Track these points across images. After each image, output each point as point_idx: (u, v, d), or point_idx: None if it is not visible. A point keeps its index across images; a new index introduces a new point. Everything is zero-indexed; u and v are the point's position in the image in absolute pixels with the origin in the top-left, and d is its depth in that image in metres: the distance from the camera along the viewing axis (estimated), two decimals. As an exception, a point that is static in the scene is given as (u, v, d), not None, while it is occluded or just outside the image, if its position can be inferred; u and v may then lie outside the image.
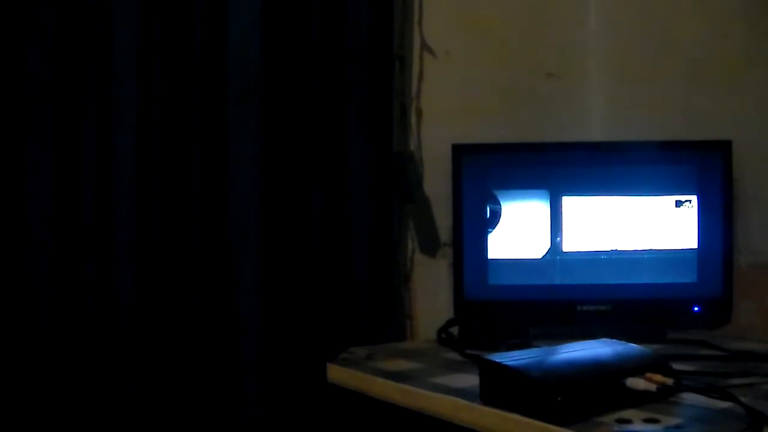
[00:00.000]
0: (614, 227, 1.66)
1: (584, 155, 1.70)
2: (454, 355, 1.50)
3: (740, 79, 1.69)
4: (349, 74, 1.68)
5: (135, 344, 1.49)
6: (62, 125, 1.46)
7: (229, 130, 1.57)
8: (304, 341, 1.61)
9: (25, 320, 1.42)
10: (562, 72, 1.88)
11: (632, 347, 1.21)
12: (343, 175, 1.68)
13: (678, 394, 1.14)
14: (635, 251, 1.65)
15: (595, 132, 1.87)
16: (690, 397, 1.13)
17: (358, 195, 1.69)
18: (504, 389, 1.13)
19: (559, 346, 1.26)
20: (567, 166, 1.67)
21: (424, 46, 1.74)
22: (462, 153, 1.67)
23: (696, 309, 1.64)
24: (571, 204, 1.66)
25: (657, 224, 1.65)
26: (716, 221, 1.63)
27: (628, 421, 1.04)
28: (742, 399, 1.07)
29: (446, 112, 1.75)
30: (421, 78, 1.74)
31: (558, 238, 1.66)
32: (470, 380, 1.25)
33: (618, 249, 1.66)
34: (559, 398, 1.05)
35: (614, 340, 1.27)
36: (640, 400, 1.10)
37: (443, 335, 1.60)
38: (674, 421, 1.04)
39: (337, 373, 1.45)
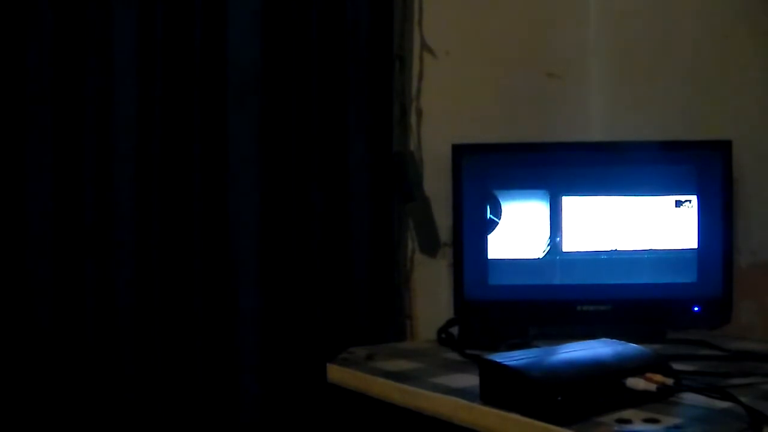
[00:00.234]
0: (614, 227, 1.66)
1: (584, 155, 1.70)
2: (454, 355, 1.50)
3: (740, 79, 1.69)
4: (349, 74, 1.68)
5: (135, 344, 1.49)
6: (62, 125, 1.46)
7: (229, 130, 1.57)
8: (304, 341, 1.61)
9: (25, 320, 1.42)
10: (562, 72, 1.88)
11: (632, 347, 1.21)
12: (343, 175, 1.68)
13: (678, 394, 1.14)
14: (635, 251, 1.65)
15: (595, 132, 1.87)
16: (690, 397, 1.13)
17: (358, 195, 1.69)
18: (504, 389, 1.13)
19: (559, 346, 1.26)
20: (567, 166, 1.67)
21: (424, 46, 1.74)
22: (462, 153, 1.67)
23: (696, 309, 1.64)
24: (570, 204, 1.66)
25: (657, 224, 1.65)
26: (716, 221, 1.63)
27: (628, 421, 1.04)
28: (742, 399, 1.07)
29: (446, 112, 1.75)
30: (421, 78, 1.74)
31: (558, 238, 1.66)
32: (470, 380, 1.25)
33: (618, 249, 1.66)
34: (559, 398, 1.05)
35: (614, 340, 1.27)
36: (640, 400, 1.10)
37: (443, 335, 1.60)
38: (674, 421, 1.04)
39: (337, 373, 1.45)
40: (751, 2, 1.69)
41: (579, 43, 1.91)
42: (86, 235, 1.47)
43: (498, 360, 1.16)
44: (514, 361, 1.14)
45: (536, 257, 1.66)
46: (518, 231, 1.67)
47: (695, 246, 1.64)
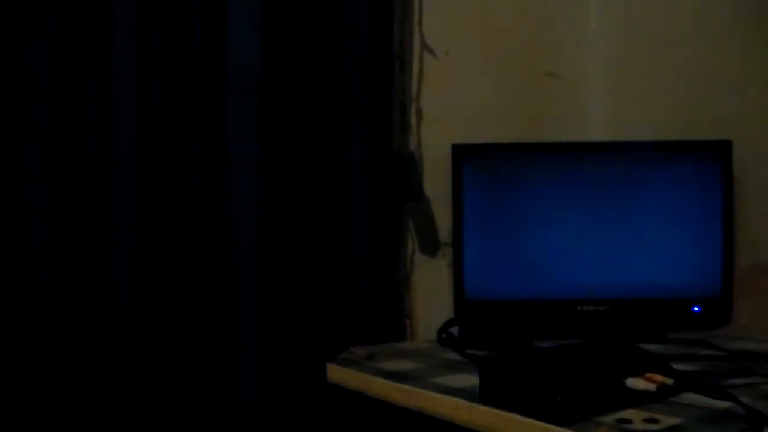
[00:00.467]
0: (614, 227, 1.66)
1: (584, 155, 1.70)
2: (454, 355, 1.50)
3: (740, 79, 1.69)
4: (349, 74, 1.68)
5: (135, 344, 1.49)
6: (62, 125, 1.46)
7: (229, 130, 1.57)
8: (304, 341, 1.61)
9: (25, 321, 1.42)
10: (562, 72, 1.88)
11: (632, 347, 1.21)
12: (343, 176, 1.68)
13: (678, 394, 1.14)
14: (635, 251, 1.65)
15: (595, 132, 1.87)
16: (690, 397, 1.13)
17: (358, 195, 1.69)
18: (504, 389, 1.13)
19: (559, 346, 1.27)
20: (567, 166, 1.67)
21: (424, 46, 1.74)
22: (462, 153, 1.67)
23: (696, 309, 1.64)
24: (570, 204, 1.66)
25: (657, 224, 1.65)
26: (716, 221, 1.63)
27: (628, 421, 1.04)
28: (742, 399, 1.07)
29: (446, 112, 1.75)
30: (421, 78, 1.74)
31: (558, 238, 1.66)
32: (470, 380, 1.25)
33: (618, 249, 1.66)
34: (559, 398, 1.05)
35: (614, 340, 1.26)
36: (640, 400, 1.10)
37: (443, 335, 1.60)
38: (674, 421, 1.04)
39: (337, 373, 1.45)
40: (750, 2, 1.69)
41: (579, 43, 1.91)
42: (86, 235, 1.47)
43: (498, 360, 1.16)
44: (514, 361, 1.14)
45: (536, 257, 1.66)
46: (518, 231, 1.67)
47: (695, 246, 1.64)
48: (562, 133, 1.80)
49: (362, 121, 1.69)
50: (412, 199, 1.73)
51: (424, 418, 1.25)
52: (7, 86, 1.42)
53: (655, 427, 1.02)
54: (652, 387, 1.09)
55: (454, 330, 1.59)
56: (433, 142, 1.73)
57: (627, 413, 1.06)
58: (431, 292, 1.74)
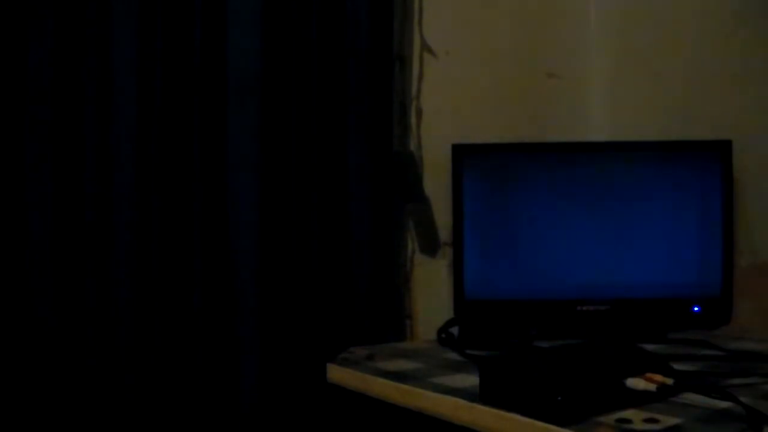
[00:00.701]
0: (614, 227, 1.66)
1: (584, 155, 1.70)
2: (454, 355, 1.50)
3: (740, 79, 1.69)
4: (349, 74, 1.68)
5: (135, 344, 1.49)
6: (62, 125, 1.46)
7: (229, 130, 1.57)
8: (304, 341, 1.61)
9: (25, 320, 1.42)
10: (562, 72, 1.89)
11: (632, 347, 1.21)
12: (343, 175, 1.68)
13: (678, 394, 1.14)
14: (635, 251, 1.65)
15: (595, 132, 1.88)
16: (690, 397, 1.13)
17: (358, 195, 1.69)
18: (504, 389, 1.13)
19: (559, 346, 1.27)
20: (567, 166, 1.67)
21: (424, 46, 1.74)
22: (462, 153, 1.67)
23: (696, 309, 1.64)
24: (570, 204, 1.66)
25: (657, 224, 1.65)
26: (716, 221, 1.63)
27: (628, 421, 1.04)
28: (742, 399, 1.07)
29: (446, 112, 1.75)
30: (421, 78, 1.74)
31: (558, 238, 1.66)
32: (470, 380, 1.25)
33: (618, 248, 1.66)
34: (559, 398, 1.05)
35: (614, 340, 1.26)
36: (640, 400, 1.10)
37: (443, 335, 1.60)
38: (674, 421, 1.04)
39: (337, 373, 1.45)
40: (751, 2, 1.69)
41: (579, 43, 1.91)
42: (86, 235, 1.47)
43: (498, 360, 1.16)
44: (514, 361, 1.14)
45: (536, 257, 1.67)
46: (518, 231, 1.67)
47: (695, 246, 1.64)
48: (562, 133, 1.80)
49: (362, 121, 1.69)
50: (412, 199, 1.73)
51: (424, 418, 1.25)
52: (7, 86, 1.42)
53: (655, 427, 1.02)
54: (652, 387, 1.09)
55: (454, 330, 1.59)
56: (433, 142, 1.73)
57: (627, 413, 1.06)
58: (431, 292, 1.74)
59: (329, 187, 1.66)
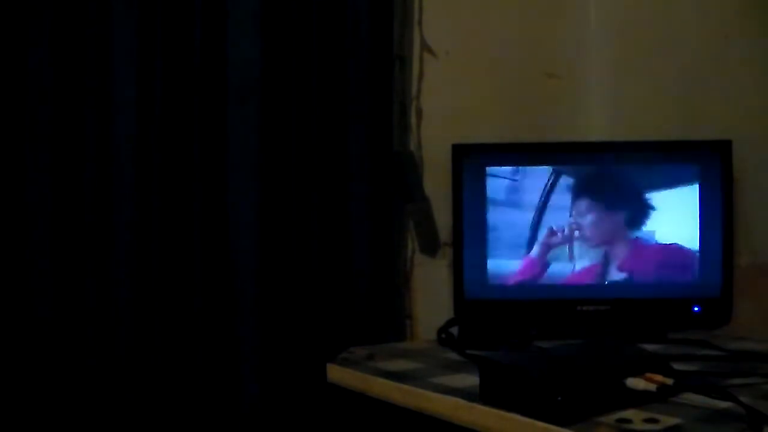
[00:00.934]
0: (614, 227, 1.66)
1: (584, 155, 1.70)
2: (454, 355, 1.50)
3: (740, 79, 1.69)
4: (349, 74, 1.68)
5: (135, 344, 1.49)
6: (62, 125, 1.46)
7: (229, 130, 1.57)
8: (304, 341, 1.61)
9: (25, 320, 1.42)
10: (562, 72, 1.88)
11: (632, 347, 1.21)
12: (343, 176, 1.68)
13: (678, 394, 1.14)
14: (635, 251, 1.65)
15: (595, 132, 1.87)
16: (690, 397, 1.13)
17: (358, 195, 1.69)
18: (504, 389, 1.13)
19: (559, 346, 1.27)
20: (567, 166, 1.67)
21: (424, 46, 1.74)
22: (462, 153, 1.67)
23: (696, 309, 1.64)
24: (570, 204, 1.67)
25: (656, 224, 1.65)
26: (716, 221, 1.63)
27: (628, 421, 1.04)
28: (742, 399, 1.07)
29: (446, 112, 1.75)
30: (421, 78, 1.74)
31: (558, 238, 1.66)
32: (470, 380, 1.25)
33: (618, 248, 1.66)
34: (559, 398, 1.05)
35: (614, 340, 1.26)
36: (640, 400, 1.10)
37: (443, 335, 1.60)
38: (674, 421, 1.04)
39: (337, 373, 1.45)
40: (751, 2, 1.69)
41: (579, 43, 1.91)
42: (86, 235, 1.47)
43: (498, 360, 1.16)
44: (514, 361, 1.14)
45: (536, 256, 1.67)
46: (518, 230, 1.67)
47: (695, 246, 1.64)
48: (562, 133, 1.80)
49: (362, 121, 1.69)
50: (412, 199, 1.73)
51: (424, 418, 1.25)
52: (7, 86, 1.42)
53: (655, 427, 1.02)
54: (652, 387, 1.09)
55: (454, 330, 1.59)
56: (433, 142, 1.73)
57: (627, 413, 1.06)
58: (431, 292, 1.74)
59: (329, 187, 1.66)
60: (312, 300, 1.63)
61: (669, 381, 1.11)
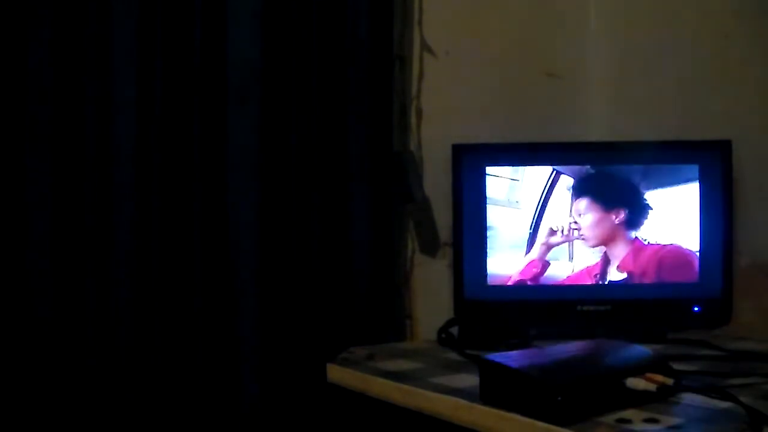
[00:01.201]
0: (614, 227, 1.66)
1: (584, 155, 1.70)
2: (454, 355, 1.50)
3: (740, 79, 1.69)
4: (349, 74, 1.68)
5: (134, 345, 1.49)
6: (62, 125, 1.46)
7: (229, 130, 1.57)
8: (304, 341, 1.61)
9: (25, 320, 1.42)
10: (562, 72, 1.88)
11: (632, 347, 1.22)
12: (343, 176, 1.68)
13: (678, 394, 1.14)
14: (634, 251, 1.65)
15: (595, 132, 1.87)
16: (690, 397, 1.13)
17: (358, 195, 1.69)
18: (504, 389, 1.14)
19: (559, 346, 1.27)
20: (567, 167, 1.67)
21: (424, 46, 1.74)
22: (462, 153, 1.67)
23: (696, 309, 1.64)
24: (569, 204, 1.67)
25: (656, 224, 1.65)
26: (716, 221, 1.63)
27: (628, 421, 1.04)
28: (742, 399, 1.07)
29: (446, 112, 1.75)
30: (421, 78, 1.74)
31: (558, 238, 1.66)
32: (470, 380, 1.25)
33: (617, 248, 1.66)
34: (559, 398, 1.05)
35: (614, 340, 1.27)
36: (640, 400, 1.10)
37: (443, 335, 1.60)
38: (674, 421, 1.04)
39: (337, 373, 1.45)
40: (751, 2, 1.69)
41: (579, 43, 1.91)
42: (86, 235, 1.47)
43: (498, 360, 1.16)
44: (514, 361, 1.14)
45: (536, 257, 1.67)
46: (518, 230, 1.67)
47: (695, 246, 1.64)
48: (562, 133, 1.80)
49: (362, 121, 1.69)
50: (412, 199, 1.73)
51: (424, 418, 1.25)
52: (7, 86, 1.42)
53: (655, 427, 1.02)
54: (652, 387, 1.09)
55: (454, 330, 1.59)
56: (433, 142, 1.73)
57: (627, 413, 1.06)
58: (431, 292, 1.73)
59: (329, 187, 1.66)
60: (312, 300, 1.63)
61: (669, 381, 1.11)
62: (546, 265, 1.67)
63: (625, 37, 1.87)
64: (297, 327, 1.61)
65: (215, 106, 1.56)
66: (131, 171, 1.50)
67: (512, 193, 1.67)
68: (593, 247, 1.66)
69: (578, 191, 1.66)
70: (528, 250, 1.67)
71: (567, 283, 1.67)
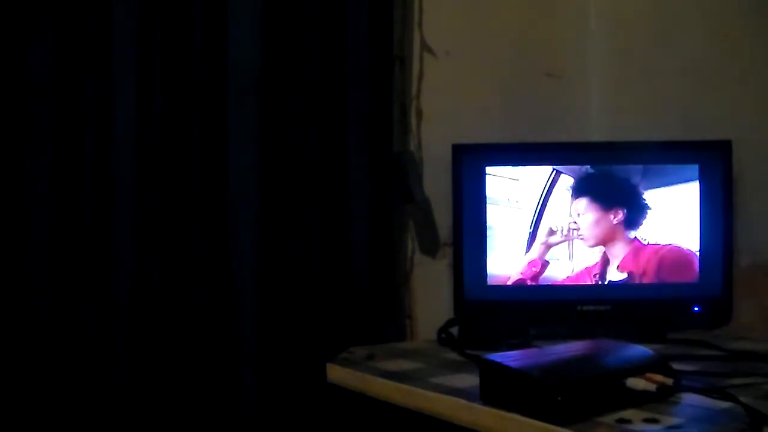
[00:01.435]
0: (614, 227, 1.66)
1: (584, 155, 1.70)
2: (454, 355, 1.50)
3: (740, 79, 1.69)
4: (349, 74, 1.68)
5: (134, 345, 1.49)
6: (62, 125, 1.46)
7: (229, 130, 1.57)
8: (304, 341, 1.61)
9: (25, 320, 1.42)
10: (562, 72, 1.88)
11: (632, 347, 1.22)
12: (343, 176, 1.68)
13: (678, 394, 1.14)
14: (634, 251, 1.65)
15: (595, 132, 1.87)
16: (690, 397, 1.13)
17: (358, 195, 1.69)
18: (504, 389, 1.14)
19: (559, 346, 1.27)
20: (566, 166, 1.67)
21: (424, 46, 1.74)
22: (462, 153, 1.67)
23: (696, 309, 1.64)
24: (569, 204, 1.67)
25: (657, 224, 1.65)
26: (716, 221, 1.63)
27: (628, 421, 1.04)
28: (742, 399, 1.07)
29: (446, 112, 1.75)
30: (421, 78, 1.74)
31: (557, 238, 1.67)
32: (470, 380, 1.25)
33: (617, 248, 1.66)
34: (559, 398, 1.05)
35: (614, 340, 1.27)
36: (640, 400, 1.10)
37: (443, 335, 1.60)
38: (674, 421, 1.04)
39: (337, 373, 1.45)
40: (751, 2, 1.69)
41: (579, 43, 1.91)
42: (86, 235, 1.47)
43: (498, 360, 1.16)
44: (514, 361, 1.14)
45: (536, 257, 1.67)
46: (518, 230, 1.67)
47: (696, 246, 1.64)
48: (562, 133, 1.80)
49: (362, 122, 1.69)
50: (412, 199, 1.73)
51: (424, 418, 1.25)
52: (7, 86, 1.42)
53: (655, 427, 1.02)
54: (652, 387, 1.09)
55: (454, 330, 1.59)
56: (433, 142, 1.73)
57: (627, 413, 1.06)
58: (431, 292, 1.74)
59: (329, 188, 1.66)
60: (312, 300, 1.63)
61: (669, 381, 1.11)
62: (545, 264, 1.67)
63: (625, 37, 1.87)
64: (297, 327, 1.61)
65: (215, 106, 1.56)
66: (131, 171, 1.50)
67: (512, 193, 1.67)
68: (592, 246, 1.66)
69: (578, 191, 1.66)
70: (528, 250, 1.67)
71: (567, 283, 1.67)
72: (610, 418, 1.05)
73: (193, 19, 1.54)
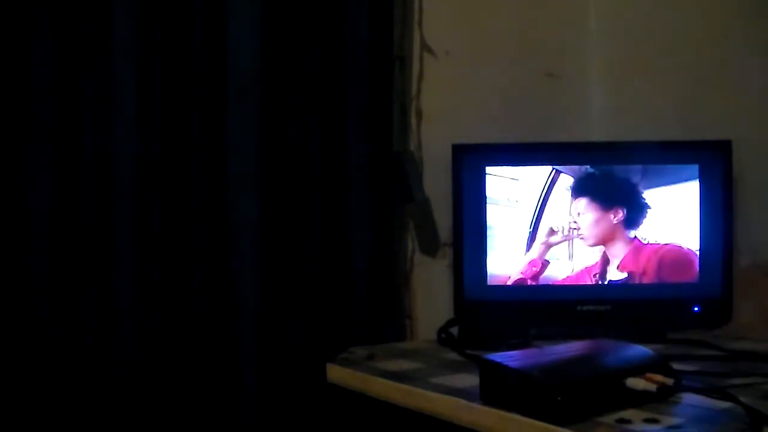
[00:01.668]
0: (614, 227, 1.66)
1: (584, 155, 1.70)
2: (454, 355, 1.50)
3: (740, 79, 1.69)
4: (349, 74, 1.68)
5: (135, 345, 1.49)
6: (62, 125, 1.46)
7: (229, 130, 1.57)
8: (304, 341, 1.61)
9: (25, 320, 1.42)
10: (562, 72, 1.88)
11: (632, 347, 1.22)
12: (343, 176, 1.68)
13: (678, 394, 1.14)
14: (634, 251, 1.65)
15: (595, 132, 1.87)
16: (690, 397, 1.13)
17: (358, 195, 1.69)
18: (504, 389, 1.14)
19: (559, 346, 1.27)
20: (566, 166, 1.67)
21: (424, 46, 1.74)
22: (462, 153, 1.67)
23: (696, 309, 1.64)
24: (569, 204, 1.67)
25: (656, 224, 1.65)
26: (716, 221, 1.63)
27: (628, 421, 1.04)
28: (742, 399, 1.07)
29: (446, 112, 1.75)
30: (421, 78, 1.74)
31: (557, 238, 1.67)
32: (470, 380, 1.25)
33: (617, 248, 1.66)
34: (559, 398, 1.05)
35: (614, 340, 1.27)
36: (640, 400, 1.10)
37: (443, 335, 1.60)
38: (674, 421, 1.04)
39: (337, 373, 1.45)
40: (751, 2, 1.69)
41: (579, 43, 1.91)
42: (86, 235, 1.47)
43: (498, 360, 1.16)
44: (514, 361, 1.14)
45: (536, 257, 1.67)
46: (518, 230, 1.67)
47: (696, 246, 1.64)
48: (562, 133, 1.80)
49: (362, 122, 1.69)
50: (412, 199, 1.73)
51: (424, 418, 1.25)
52: (7, 86, 1.42)
53: (655, 427, 1.02)
54: (652, 387, 1.09)
55: (454, 330, 1.59)
56: (433, 142, 1.73)
57: (627, 413, 1.06)
58: (431, 292, 1.74)
59: (329, 187, 1.66)
60: (312, 300, 1.63)
61: (669, 381, 1.11)
62: (545, 264, 1.67)
63: (625, 37, 1.87)
64: (297, 327, 1.61)
65: (215, 106, 1.56)
66: (131, 171, 1.50)
67: (512, 193, 1.67)
68: (592, 246, 1.66)
69: (577, 191, 1.66)
70: (527, 250, 1.67)
71: (567, 283, 1.67)
72: (610, 418, 1.05)
73: (193, 19, 1.54)
